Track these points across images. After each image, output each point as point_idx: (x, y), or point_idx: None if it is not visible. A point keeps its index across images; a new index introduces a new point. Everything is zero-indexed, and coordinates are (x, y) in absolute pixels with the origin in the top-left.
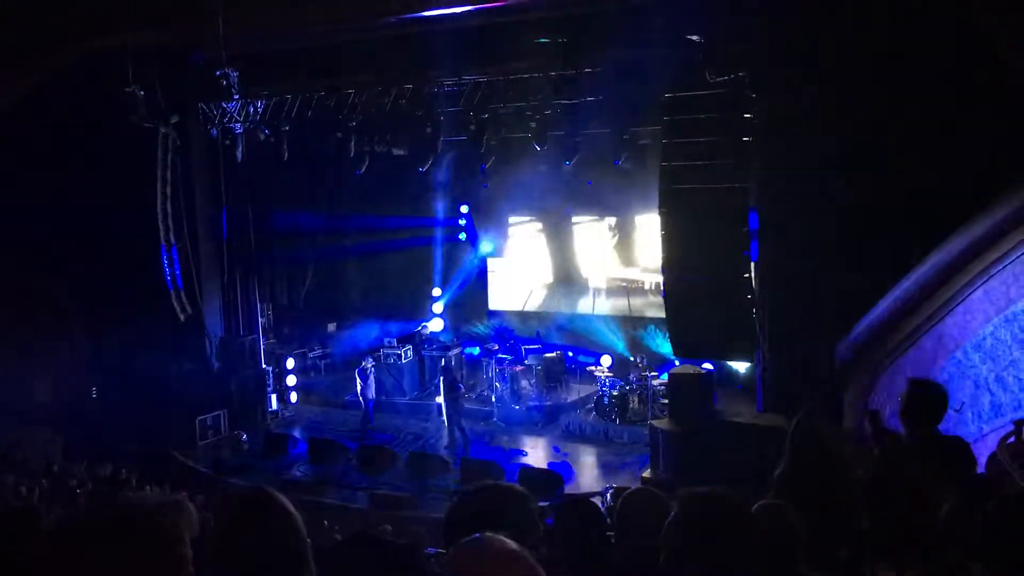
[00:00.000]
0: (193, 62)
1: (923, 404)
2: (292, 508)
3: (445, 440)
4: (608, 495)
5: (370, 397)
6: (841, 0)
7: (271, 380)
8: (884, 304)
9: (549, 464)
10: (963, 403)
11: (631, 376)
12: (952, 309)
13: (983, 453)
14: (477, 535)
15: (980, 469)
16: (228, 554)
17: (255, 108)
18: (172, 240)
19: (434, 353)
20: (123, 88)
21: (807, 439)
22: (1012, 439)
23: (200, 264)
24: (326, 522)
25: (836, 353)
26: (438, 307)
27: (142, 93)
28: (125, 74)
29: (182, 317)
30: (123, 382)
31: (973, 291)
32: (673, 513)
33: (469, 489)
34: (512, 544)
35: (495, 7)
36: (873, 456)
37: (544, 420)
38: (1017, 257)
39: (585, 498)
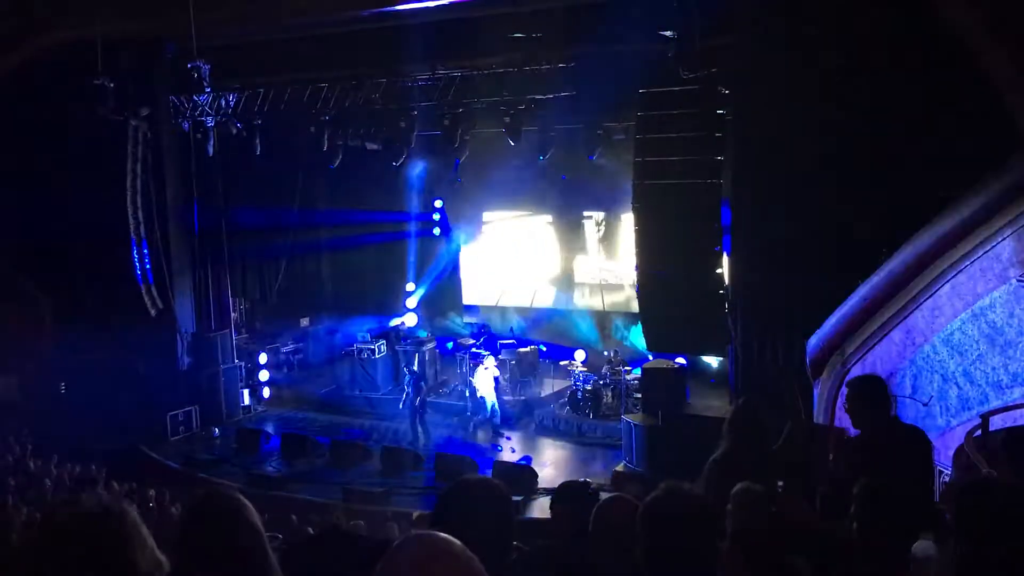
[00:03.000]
0: (164, 54)
1: (865, 399)
2: (250, 507)
3: (420, 435)
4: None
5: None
6: None
7: (243, 375)
8: (854, 299)
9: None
10: (931, 397)
11: (605, 371)
12: (920, 304)
13: (950, 447)
14: (416, 534)
15: (946, 461)
16: (186, 556)
17: (227, 101)
18: (143, 234)
19: (408, 348)
20: (92, 79)
21: (746, 427)
22: (978, 433)
23: (171, 259)
24: (294, 517)
25: (807, 347)
26: (412, 302)
27: (112, 85)
28: (94, 65)
29: (153, 312)
30: (93, 377)
31: (941, 286)
32: (639, 517)
33: (448, 485)
34: (454, 541)
35: (469, 2)
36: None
37: (518, 415)
38: (984, 253)
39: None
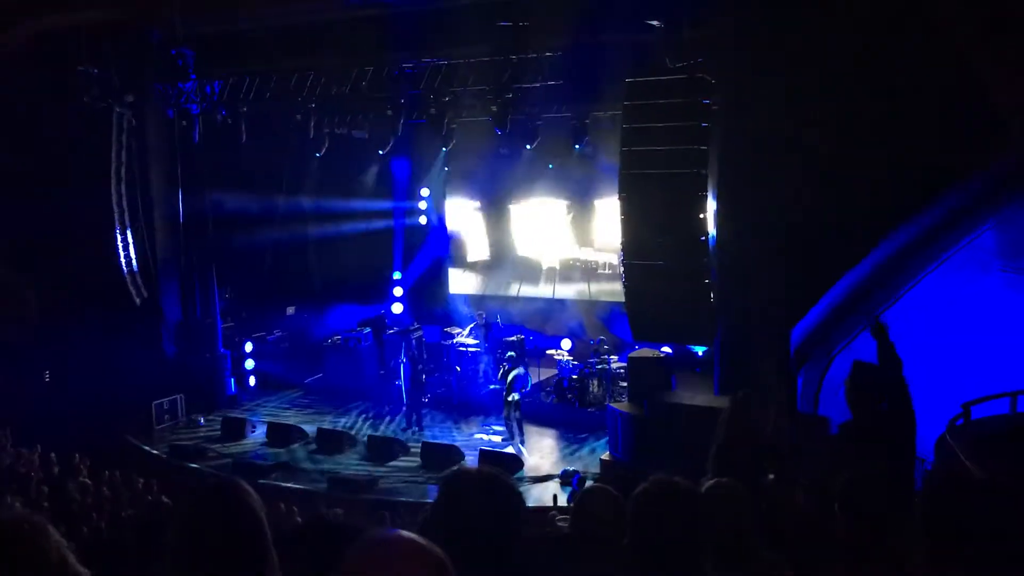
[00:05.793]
0: (149, 41)
1: (864, 385)
2: (256, 496)
3: (403, 423)
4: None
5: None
6: None
7: (229, 364)
8: (838, 289)
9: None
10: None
11: (591, 359)
12: (903, 294)
13: (932, 436)
14: (385, 530)
15: (927, 450)
16: (190, 542)
17: (212, 89)
18: (127, 222)
19: (394, 336)
20: (76, 67)
21: (741, 422)
22: (960, 422)
23: (156, 247)
24: (282, 505)
25: (792, 337)
26: (398, 290)
27: (96, 72)
28: (78, 52)
29: (138, 301)
30: (77, 366)
31: (925, 276)
32: (628, 511)
33: (447, 476)
34: (418, 539)
35: None
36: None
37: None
38: (967, 243)
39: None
